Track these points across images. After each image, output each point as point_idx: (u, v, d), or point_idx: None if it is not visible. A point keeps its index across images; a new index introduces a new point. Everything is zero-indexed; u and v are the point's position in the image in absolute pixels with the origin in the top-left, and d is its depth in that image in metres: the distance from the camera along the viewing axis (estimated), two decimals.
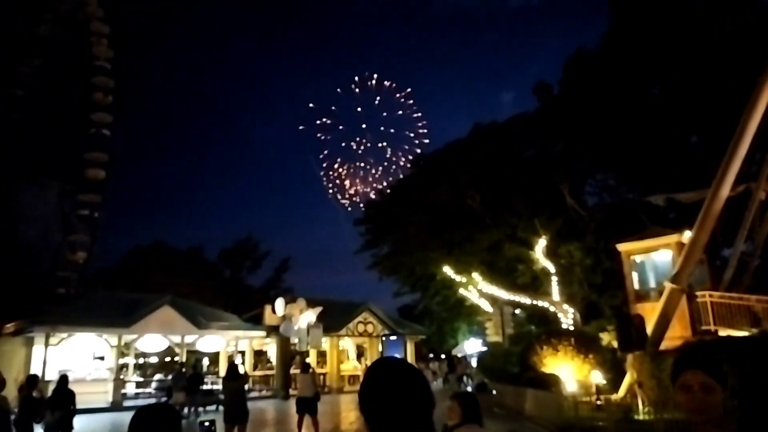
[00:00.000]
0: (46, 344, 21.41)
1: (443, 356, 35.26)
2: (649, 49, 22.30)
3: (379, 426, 1.34)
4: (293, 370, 25.44)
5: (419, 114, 49.52)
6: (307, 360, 19.97)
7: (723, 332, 13.69)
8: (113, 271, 41.72)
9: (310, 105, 75.99)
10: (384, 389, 1.36)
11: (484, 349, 28.81)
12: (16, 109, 36.07)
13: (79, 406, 10.21)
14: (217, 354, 28.72)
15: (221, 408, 15.74)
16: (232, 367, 12.26)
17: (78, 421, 10.06)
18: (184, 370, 20.38)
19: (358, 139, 51.11)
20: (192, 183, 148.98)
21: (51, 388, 17.01)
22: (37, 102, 36.45)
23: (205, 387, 21.24)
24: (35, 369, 19.74)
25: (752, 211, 15.09)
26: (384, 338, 29.73)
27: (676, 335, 13.90)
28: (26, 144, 36.13)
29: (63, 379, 10.35)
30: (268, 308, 27.45)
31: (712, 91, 20.60)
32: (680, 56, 21.58)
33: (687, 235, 14.38)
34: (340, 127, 51.03)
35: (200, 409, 19.08)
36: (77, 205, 36.51)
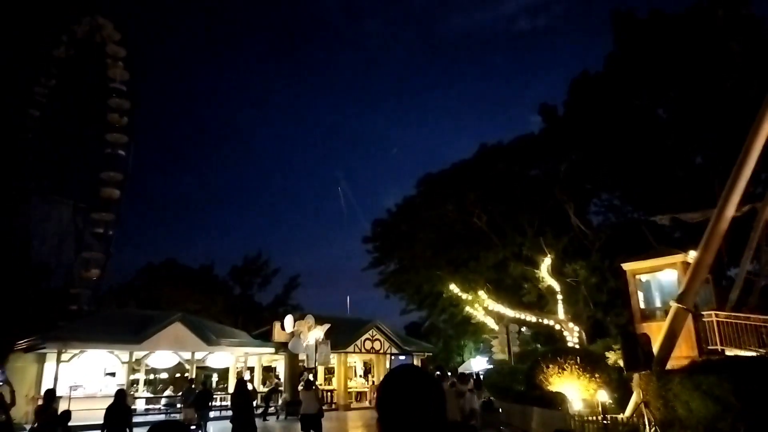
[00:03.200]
0: (58, 360, 21.51)
1: (449, 373, 34.93)
2: (653, 71, 22.55)
3: (394, 427, 1.42)
4: (300, 387, 25.52)
5: None
6: (310, 377, 20.04)
7: (730, 352, 13.64)
8: (125, 288, 42.16)
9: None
10: (401, 392, 1.45)
11: (490, 366, 28.66)
12: (32, 128, 36.99)
13: (89, 422, 10.34)
14: (226, 370, 28.88)
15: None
16: (240, 383, 12.42)
17: None
18: (193, 386, 20.52)
19: None
20: (204, 201, 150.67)
21: (62, 404, 17.38)
22: (53, 122, 37.38)
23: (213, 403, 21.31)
24: (47, 385, 19.74)
25: (758, 231, 15.10)
26: (393, 357, 30.05)
27: (682, 355, 13.86)
28: (42, 163, 36.96)
29: (120, 394, 10.13)
30: (277, 325, 27.60)
31: (718, 112, 20.78)
32: (685, 77, 21.80)
33: (692, 255, 14.40)
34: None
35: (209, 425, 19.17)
36: (91, 223, 37.19)
